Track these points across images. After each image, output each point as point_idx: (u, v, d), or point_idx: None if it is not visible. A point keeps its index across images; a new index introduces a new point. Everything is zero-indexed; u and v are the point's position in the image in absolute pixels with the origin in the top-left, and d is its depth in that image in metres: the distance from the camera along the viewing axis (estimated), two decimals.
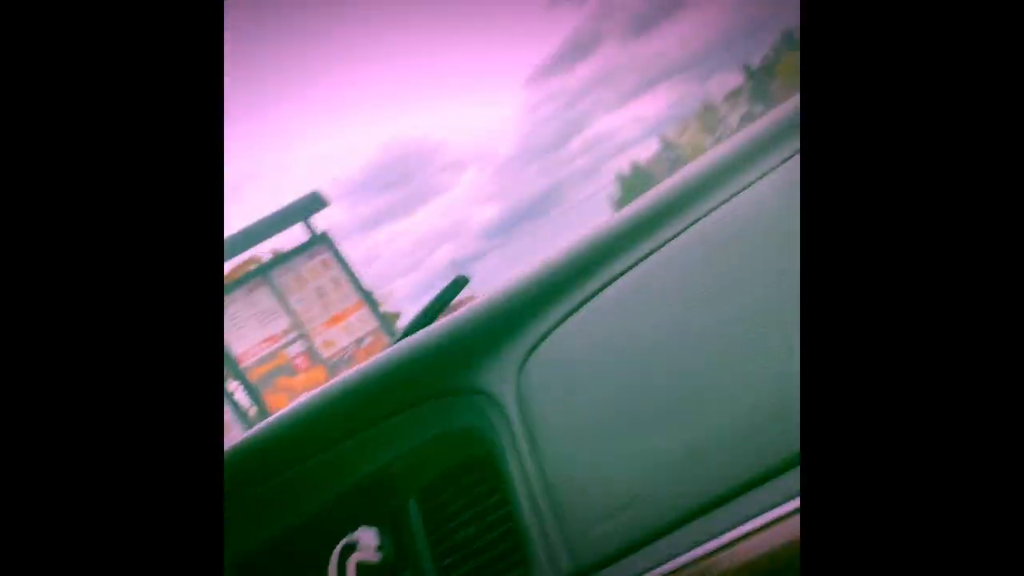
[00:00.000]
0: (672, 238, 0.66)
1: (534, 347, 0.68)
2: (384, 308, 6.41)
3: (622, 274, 0.67)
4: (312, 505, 0.80)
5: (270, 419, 0.83)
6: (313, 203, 6.27)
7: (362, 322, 6.03)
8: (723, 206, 0.65)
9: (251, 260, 7.70)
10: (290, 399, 5.63)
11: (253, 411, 5.82)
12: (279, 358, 5.84)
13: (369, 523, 0.77)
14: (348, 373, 0.80)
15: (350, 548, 0.74)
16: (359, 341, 5.99)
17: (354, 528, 0.76)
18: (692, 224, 0.66)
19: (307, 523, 0.81)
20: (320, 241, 6.14)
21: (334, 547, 0.75)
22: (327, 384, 0.82)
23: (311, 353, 5.91)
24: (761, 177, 0.65)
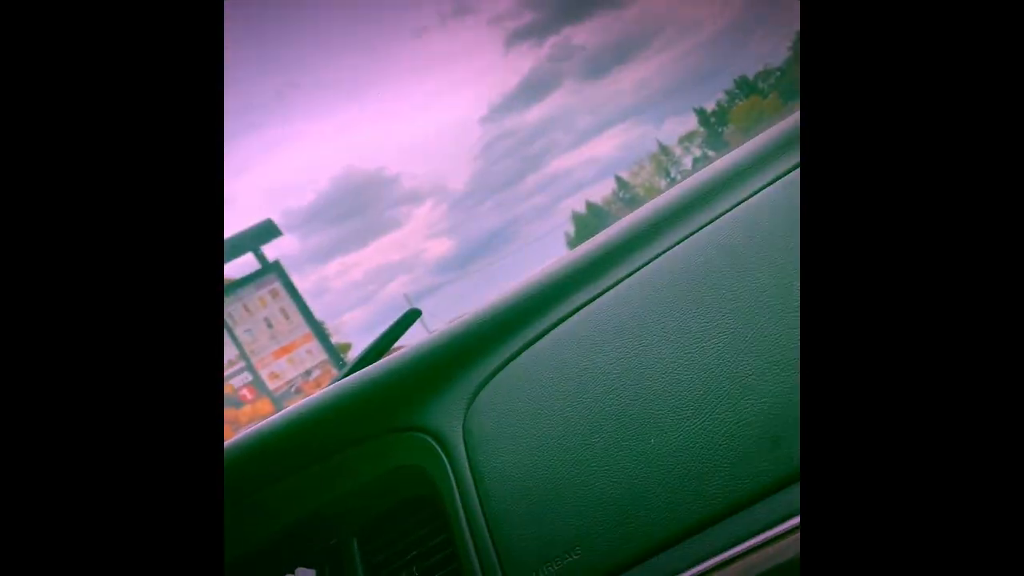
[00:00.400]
0: (624, 277, 0.67)
1: (482, 386, 0.68)
2: (335, 340, 6.34)
3: (571, 314, 0.68)
4: (251, 543, 0.78)
5: None
6: (265, 232, 6.20)
7: (311, 354, 5.95)
8: (678, 245, 0.66)
9: None
10: (234, 431, 5.51)
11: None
12: (225, 388, 5.73)
13: (309, 561, 0.75)
14: (292, 408, 0.78)
15: None
16: (307, 373, 5.90)
17: (292, 568, 0.74)
18: (644, 265, 0.67)
19: (245, 561, 0.78)
20: (270, 270, 6.06)
21: None
22: (270, 419, 0.80)
23: (257, 384, 5.80)
24: (715, 219, 0.66)
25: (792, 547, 0.49)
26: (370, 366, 0.78)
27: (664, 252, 0.66)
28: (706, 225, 0.65)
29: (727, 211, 0.65)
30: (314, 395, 0.79)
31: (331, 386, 0.79)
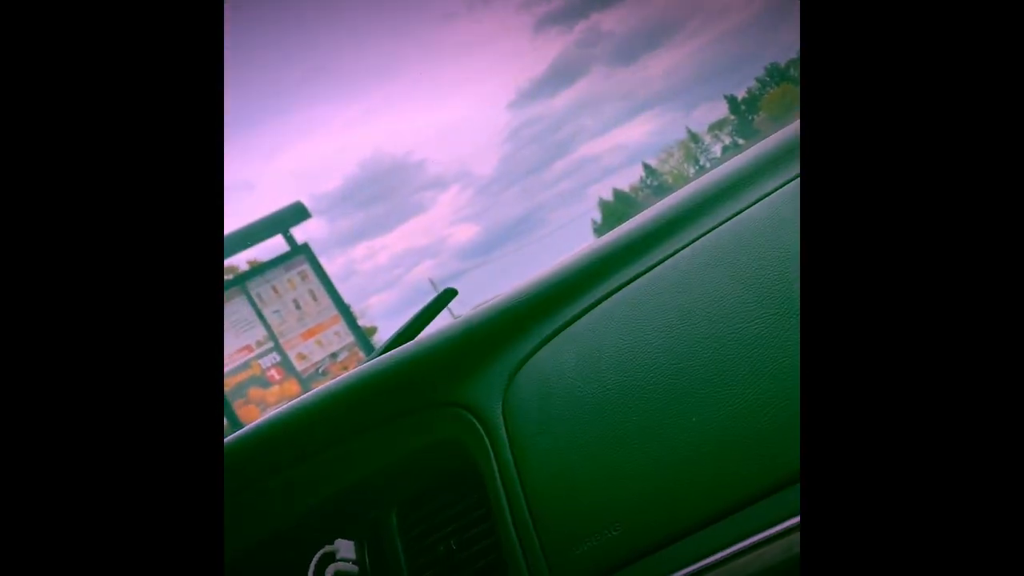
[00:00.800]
0: (664, 259, 0.67)
1: (522, 363, 0.68)
2: (361, 323, 6.39)
3: (611, 294, 0.68)
4: (292, 514, 0.79)
5: (249, 427, 0.82)
6: (294, 214, 6.25)
7: (338, 336, 5.99)
8: (715, 230, 0.66)
9: (228, 270, 7.66)
10: (262, 411, 5.57)
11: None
12: (253, 368, 5.78)
13: (348, 533, 0.76)
14: (333, 382, 0.79)
15: (329, 558, 0.74)
16: (334, 355, 5.95)
17: (333, 539, 0.75)
18: (685, 246, 0.67)
19: (287, 532, 0.80)
20: (300, 252, 6.10)
21: (312, 556, 0.74)
22: (312, 392, 0.81)
23: (285, 365, 5.86)
24: (753, 204, 0.65)
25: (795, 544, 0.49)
26: (409, 343, 0.79)
27: (710, 231, 0.66)
28: (755, 203, 0.65)
29: (777, 189, 0.65)
30: (355, 369, 0.80)
31: (372, 361, 0.80)
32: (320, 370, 5.90)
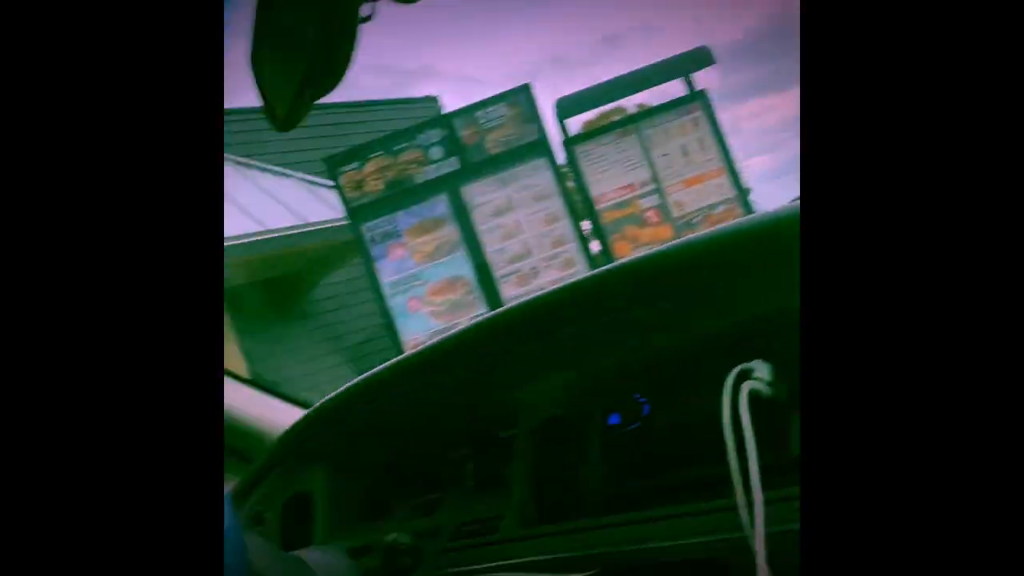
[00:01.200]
0: None
1: None
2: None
3: None
4: (710, 327, 0.83)
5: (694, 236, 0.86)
6: (697, 60, 6.12)
7: (719, 189, 5.93)
8: None
9: (616, 111, 7.84)
10: (633, 248, 5.78)
11: (597, 248, 6.09)
12: (633, 207, 5.98)
13: (765, 357, 0.78)
14: (782, 207, 0.80)
15: (744, 375, 0.77)
16: (712, 207, 5.92)
17: (750, 358, 0.78)
18: None
19: (701, 344, 0.84)
20: (696, 99, 6.03)
21: (724, 374, 0.78)
22: (746, 218, 0.82)
23: (662, 210, 5.97)
24: None
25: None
26: None
27: None
28: None
29: None
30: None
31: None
32: (693, 220, 5.93)
